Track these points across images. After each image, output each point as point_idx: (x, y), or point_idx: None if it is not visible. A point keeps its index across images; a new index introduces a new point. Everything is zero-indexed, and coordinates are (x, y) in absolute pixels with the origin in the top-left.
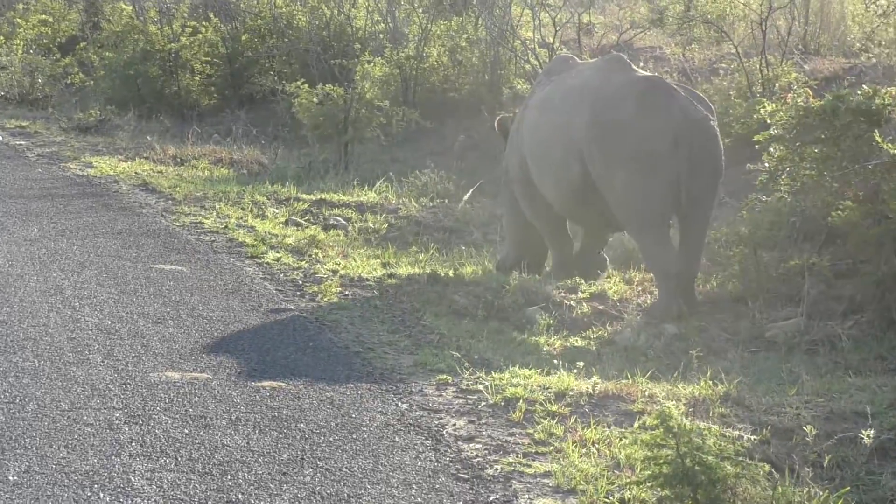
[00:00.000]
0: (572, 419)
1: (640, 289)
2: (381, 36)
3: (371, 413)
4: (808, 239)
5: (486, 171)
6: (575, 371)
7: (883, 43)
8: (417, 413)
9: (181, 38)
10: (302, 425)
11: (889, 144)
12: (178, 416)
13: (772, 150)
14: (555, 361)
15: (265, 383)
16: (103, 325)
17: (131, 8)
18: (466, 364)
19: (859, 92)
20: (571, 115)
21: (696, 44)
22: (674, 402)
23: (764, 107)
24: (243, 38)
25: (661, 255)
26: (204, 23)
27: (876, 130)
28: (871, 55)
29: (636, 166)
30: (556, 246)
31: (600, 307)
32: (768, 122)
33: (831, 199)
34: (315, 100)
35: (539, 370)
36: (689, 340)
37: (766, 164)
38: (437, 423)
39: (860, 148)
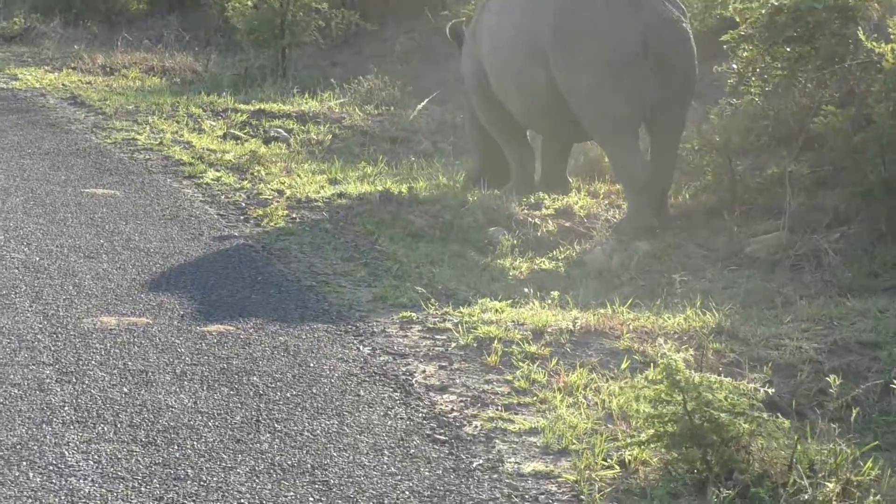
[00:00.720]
0: (554, 361)
1: (607, 202)
2: None
3: (331, 361)
4: (783, 144)
5: (430, 74)
6: (549, 302)
7: None
8: (382, 359)
9: None
10: (255, 378)
11: (873, 42)
12: (115, 371)
13: (741, 51)
14: (525, 290)
15: (211, 328)
16: (31, 262)
17: None
18: (430, 297)
19: None
20: (535, 17)
21: None
22: (663, 337)
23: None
24: None
25: (630, 164)
26: None
27: (860, 28)
28: None
29: (603, 70)
30: (517, 158)
31: (567, 224)
32: (737, 19)
33: (807, 102)
34: (250, 3)
35: (509, 301)
36: (664, 258)
37: (735, 66)
38: (404, 370)
39: (836, 46)
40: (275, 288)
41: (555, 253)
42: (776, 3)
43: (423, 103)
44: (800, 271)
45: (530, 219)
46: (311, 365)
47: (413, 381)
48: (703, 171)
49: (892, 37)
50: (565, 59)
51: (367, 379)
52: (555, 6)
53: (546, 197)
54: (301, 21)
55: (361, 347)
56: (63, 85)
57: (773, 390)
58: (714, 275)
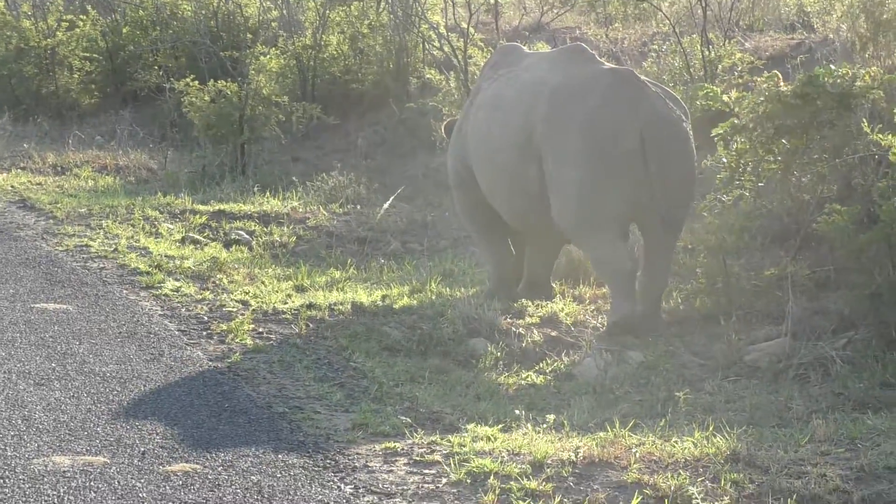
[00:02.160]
0: (557, 499)
1: (593, 308)
2: (275, 24)
3: None
4: (780, 243)
5: (396, 169)
6: (544, 426)
7: (836, 16)
8: (367, 499)
9: (57, 33)
10: None
11: (878, 134)
12: None
13: (733, 143)
14: (516, 411)
15: (175, 467)
16: None
17: (3, 3)
18: (414, 424)
19: (837, 73)
20: (528, 112)
21: (620, 23)
22: (674, 470)
23: (714, 91)
24: (124, 30)
25: (612, 255)
26: (81, 16)
27: (864, 119)
28: (822, 28)
29: (595, 164)
30: (494, 260)
31: (553, 333)
32: (736, 110)
33: (805, 198)
34: (207, 97)
35: (501, 426)
36: (660, 369)
37: (725, 160)
38: None
39: (834, 138)
40: (243, 416)
41: (542, 365)
42: (776, 90)
43: (388, 201)
44: (806, 382)
45: (514, 328)
46: None
47: None
48: (696, 273)
49: None
50: (557, 151)
51: None
52: (549, 99)
53: (530, 304)
54: (260, 115)
55: (343, 486)
56: (12, 187)
57: None
58: (714, 387)
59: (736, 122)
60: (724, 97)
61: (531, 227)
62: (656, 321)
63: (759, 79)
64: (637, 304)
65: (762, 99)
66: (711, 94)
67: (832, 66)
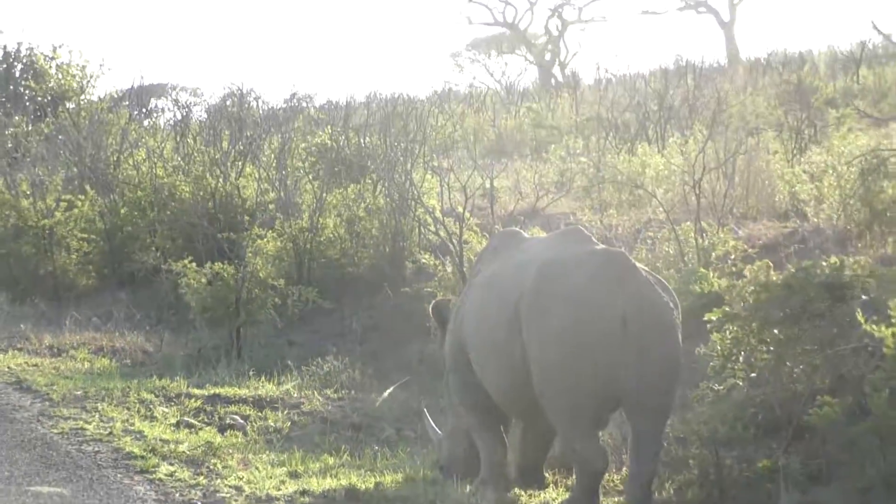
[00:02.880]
0: None
1: None
2: (272, 206)
3: None
4: (771, 434)
5: (391, 355)
6: None
7: (828, 204)
8: None
9: (56, 212)
10: None
11: (872, 326)
12: None
13: (726, 330)
14: None
15: None
16: None
17: (2, 181)
18: None
19: (825, 263)
20: (516, 284)
21: (615, 209)
22: None
23: (709, 282)
24: (122, 211)
25: (584, 450)
26: (79, 196)
27: (857, 310)
28: (817, 218)
29: (573, 343)
30: (487, 446)
31: None
32: (725, 298)
33: (797, 389)
34: (203, 280)
35: None
36: None
37: (718, 348)
38: None
39: (825, 329)
40: None
41: None
42: (765, 280)
43: (388, 391)
44: None
45: None
46: None
47: None
48: (688, 463)
49: (892, 320)
50: (537, 326)
51: None
52: (537, 272)
53: (522, 494)
54: (257, 298)
55: None
56: (8, 367)
57: None
58: None
59: (728, 310)
60: (716, 282)
61: (519, 410)
62: None
63: (749, 267)
64: (627, 493)
65: (752, 288)
66: (703, 277)
67: (823, 258)
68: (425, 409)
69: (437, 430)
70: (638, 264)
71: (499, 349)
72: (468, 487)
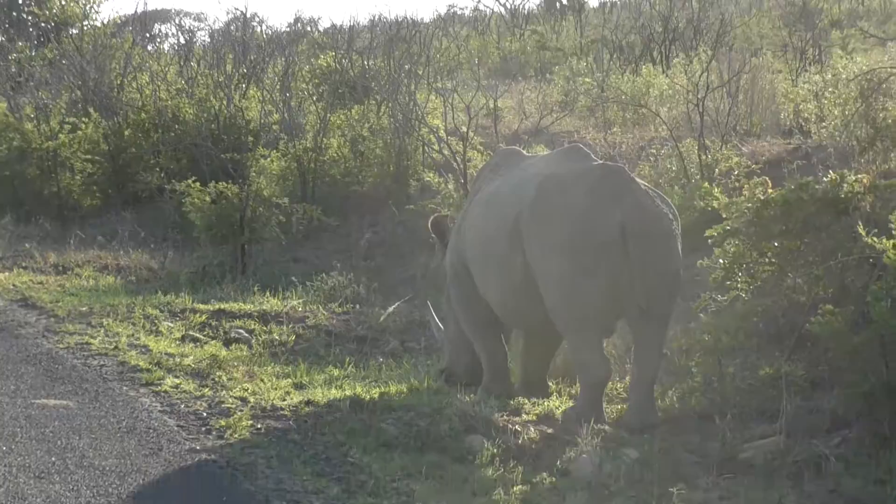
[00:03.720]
0: None
1: None
2: (276, 127)
3: None
4: (774, 343)
5: (395, 270)
6: None
7: (830, 121)
8: None
9: (59, 135)
10: None
11: (872, 238)
12: None
13: (727, 245)
14: None
15: None
16: None
17: (5, 105)
18: None
19: (825, 179)
20: (517, 200)
21: (619, 127)
22: None
23: (712, 196)
24: (126, 133)
25: (590, 361)
26: (83, 119)
27: (859, 223)
28: (817, 134)
29: (574, 255)
30: (487, 353)
31: (549, 431)
32: (723, 215)
33: (799, 299)
34: (207, 199)
35: None
36: (655, 466)
37: (721, 261)
38: None
39: (826, 241)
40: None
41: (538, 462)
42: (763, 197)
43: (393, 306)
44: (800, 479)
45: (510, 425)
46: None
47: None
48: (691, 372)
49: (893, 232)
50: (539, 240)
51: None
52: (537, 188)
53: (526, 402)
54: (261, 217)
55: None
56: (14, 285)
57: None
58: (709, 484)
59: (729, 226)
60: (720, 196)
61: (521, 322)
62: (649, 413)
63: (748, 184)
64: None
65: (751, 204)
66: (707, 192)
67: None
68: (429, 304)
69: (441, 326)
70: (637, 178)
71: (500, 264)
72: (471, 396)
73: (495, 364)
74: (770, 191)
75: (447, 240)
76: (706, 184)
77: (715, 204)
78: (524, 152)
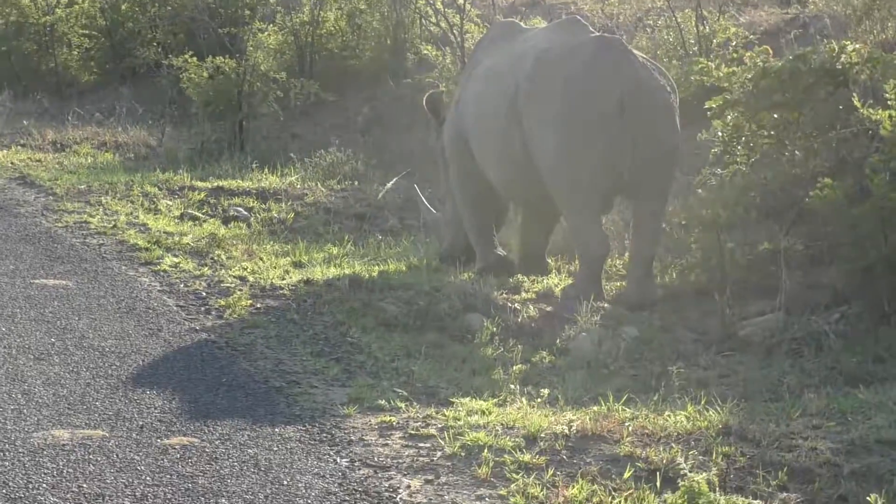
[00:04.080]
0: (550, 471)
1: None
2: (273, 1)
3: (306, 477)
4: (774, 217)
5: (393, 145)
6: (538, 400)
7: None
8: (362, 472)
9: (56, 9)
10: (224, 501)
11: (869, 109)
12: (69, 495)
13: (726, 117)
14: (511, 386)
15: (174, 440)
16: None
17: None
18: (410, 398)
19: (823, 49)
20: (514, 73)
21: None
22: (666, 443)
23: (709, 72)
24: (123, 7)
25: (588, 235)
26: None
27: (854, 94)
28: (816, 5)
29: (572, 129)
30: (479, 232)
31: (548, 309)
32: (724, 85)
33: (798, 172)
34: (205, 74)
35: (496, 400)
36: (654, 344)
37: (720, 133)
38: (387, 486)
39: (825, 112)
40: (241, 391)
41: (537, 340)
42: (762, 67)
43: (391, 182)
44: (799, 356)
45: (509, 304)
46: (285, 483)
47: (398, 500)
48: (691, 247)
49: (889, 103)
50: (536, 114)
51: (346, 498)
52: (534, 62)
53: (525, 279)
54: (258, 92)
55: (339, 459)
56: (11, 163)
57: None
58: (708, 362)
59: (728, 97)
60: (716, 72)
61: (521, 198)
62: (649, 288)
63: (749, 53)
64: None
65: (751, 75)
66: (705, 69)
67: (823, 43)
68: (416, 187)
69: (431, 209)
70: (635, 50)
71: (499, 138)
72: (470, 274)
73: (484, 239)
74: (771, 60)
75: (442, 116)
76: (703, 59)
77: (715, 75)
78: (522, 24)
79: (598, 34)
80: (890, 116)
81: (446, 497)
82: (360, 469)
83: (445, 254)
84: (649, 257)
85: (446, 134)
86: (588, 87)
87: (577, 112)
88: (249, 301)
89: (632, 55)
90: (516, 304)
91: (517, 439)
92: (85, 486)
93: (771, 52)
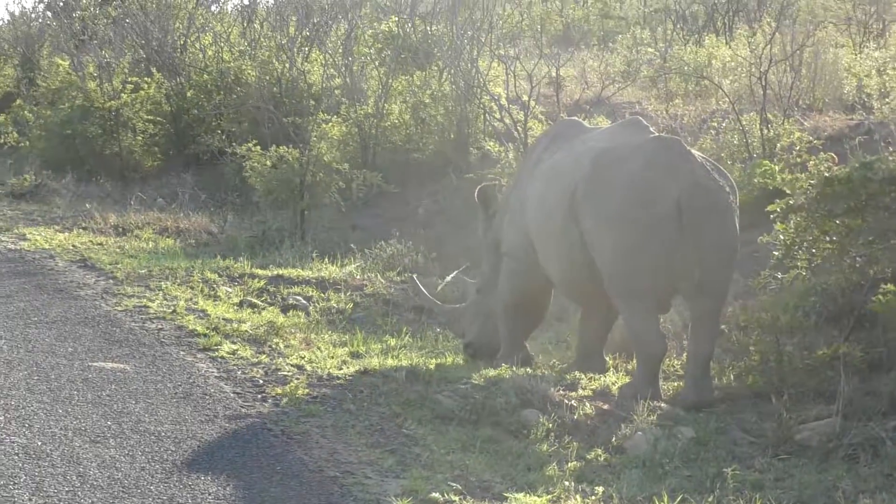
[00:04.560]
0: None
1: None
2: (338, 92)
3: None
4: (833, 322)
5: (454, 239)
6: (593, 497)
7: (893, 97)
8: None
9: (122, 94)
10: None
11: None
12: None
13: (789, 221)
14: (565, 482)
15: None
16: (32, 448)
17: (69, 63)
18: (464, 492)
19: (890, 158)
20: (574, 172)
21: (680, 99)
22: None
23: (773, 175)
24: (188, 94)
25: (645, 333)
26: (146, 78)
27: None
28: (880, 110)
29: (630, 230)
30: (516, 332)
31: (605, 406)
32: (787, 190)
33: (858, 278)
34: (268, 163)
35: (550, 496)
36: (710, 445)
37: (781, 237)
38: None
39: (888, 220)
40: (295, 479)
41: (593, 438)
42: (828, 175)
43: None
44: (855, 462)
45: (566, 400)
46: None
47: None
48: (749, 350)
49: None
50: (594, 213)
51: None
52: (593, 161)
53: (582, 376)
54: (321, 182)
55: None
56: (73, 246)
57: None
58: (764, 464)
59: (791, 201)
60: (780, 175)
61: (579, 295)
62: (706, 388)
63: (813, 160)
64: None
65: (814, 181)
66: (768, 171)
67: (887, 150)
68: (414, 277)
69: (435, 301)
70: (693, 151)
71: (559, 237)
72: (527, 369)
73: (517, 336)
74: (834, 168)
75: (493, 209)
76: (766, 162)
77: (778, 179)
78: (584, 123)
79: (657, 134)
80: None
81: None
82: None
83: (475, 347)
84: (707, 357)
85: (507, 230)
86: (646, 187)
87: (635, 213)
88: (306, 390)
89: (690, 155)
90: (573, 401)
91: None
92: None
93: (835, 159)
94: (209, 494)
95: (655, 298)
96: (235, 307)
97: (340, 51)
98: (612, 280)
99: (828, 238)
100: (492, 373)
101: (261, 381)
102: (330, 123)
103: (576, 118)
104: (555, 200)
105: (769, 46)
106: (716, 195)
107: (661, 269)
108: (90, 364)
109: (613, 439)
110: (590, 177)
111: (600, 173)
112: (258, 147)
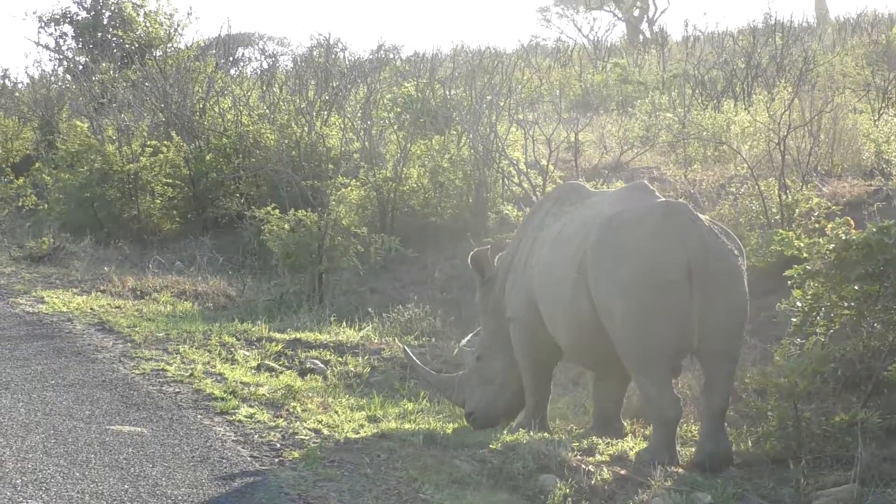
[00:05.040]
0: None
1: None
2: (356, 156)
3: None
4: (851, 389)
5: (471, 303)
6: None
7: None
8: None
9: (141, 158)
10: None
11: None
12: None
13: (807, 287)
14: None
15: None
16: None
17: (88, 126)
18: None
19: None
20: (582, 242)
21: (699, 164)
22: None
23: (791, 243)
24: (207, 157)
25: (659, 398)
26: (165, 142)
27: None
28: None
29: (640, 294)
30: (535, 396)
31: (622, 472)
32: (804, 255)
33: (876, 344)
34: (286, 226)
35: None
36: None
37: (799, 303)
38: None
39: None
40: None
41: (610, 503)
42: (845, 239)
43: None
44: None
45: (584, 465)
46: None
47: None
48: (767, 416)
49: None
50: (604, 279)
51: None
52: (601, 227)
53: (599, 442)
54: (339, 246)
55: None
56: (91, 309)
57: None
58: None
59: (809, 267)
60: (797, 242)
61: (591, 362)
62: (721, 440)
63: (830, 225)
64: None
65: (832, 246)
66: (785, 240)
67: None
68: (406, 349)
69: (430, 371)
70: (701, 215)
71: (567, 304)
72: (546, 434)
73: (541, 408)
74: (853, 232)
75: (488, 274)
76: (782, 231)
77: (797, 244)
78: (588, 187)
79: (664, 199)
80: None
81: None
82: None
83: (479, 415)
84: (721, 409)
85: (511, 294)
86: (654, 253)
87: (644, 279)
88: (323, 454)
89: (698, 220)
90: (590, 466)
91: None
92: None
93: (853, 223)
94: None
95: (667, 363)
96: (253, 371)
97: (359, 115)
98: (623, 346)
99: (845, 304)
100: (509, 437)
101: (278, 445)
102: (349, 187)
103: (578, 181)
104: (562, 268)
105: (788, 112)
106: (725, 259)
107: (672, 334)
108: (107, 427)
109: None
110: (598, 243)
111: (608, 240)
112: (276, 210)
